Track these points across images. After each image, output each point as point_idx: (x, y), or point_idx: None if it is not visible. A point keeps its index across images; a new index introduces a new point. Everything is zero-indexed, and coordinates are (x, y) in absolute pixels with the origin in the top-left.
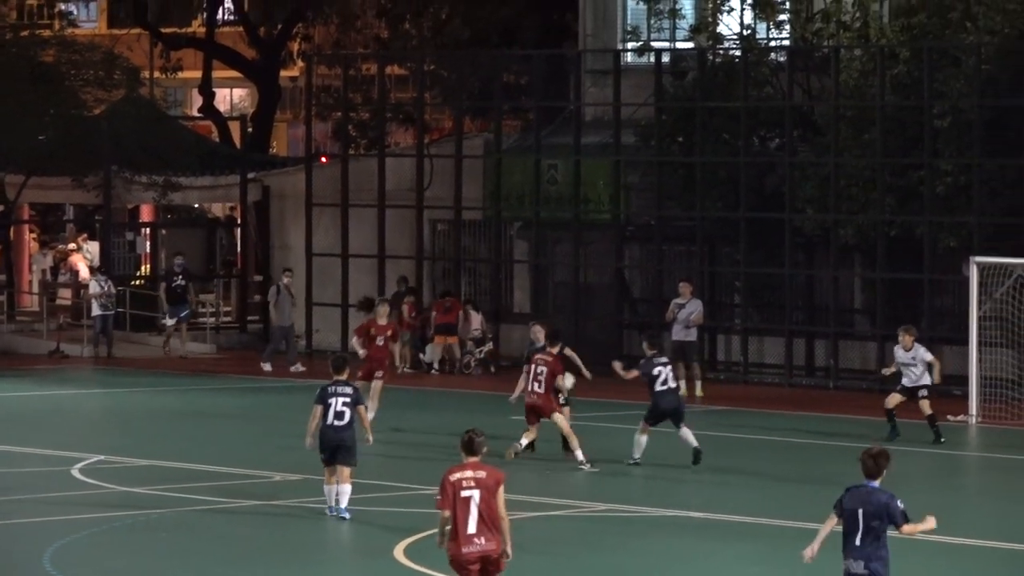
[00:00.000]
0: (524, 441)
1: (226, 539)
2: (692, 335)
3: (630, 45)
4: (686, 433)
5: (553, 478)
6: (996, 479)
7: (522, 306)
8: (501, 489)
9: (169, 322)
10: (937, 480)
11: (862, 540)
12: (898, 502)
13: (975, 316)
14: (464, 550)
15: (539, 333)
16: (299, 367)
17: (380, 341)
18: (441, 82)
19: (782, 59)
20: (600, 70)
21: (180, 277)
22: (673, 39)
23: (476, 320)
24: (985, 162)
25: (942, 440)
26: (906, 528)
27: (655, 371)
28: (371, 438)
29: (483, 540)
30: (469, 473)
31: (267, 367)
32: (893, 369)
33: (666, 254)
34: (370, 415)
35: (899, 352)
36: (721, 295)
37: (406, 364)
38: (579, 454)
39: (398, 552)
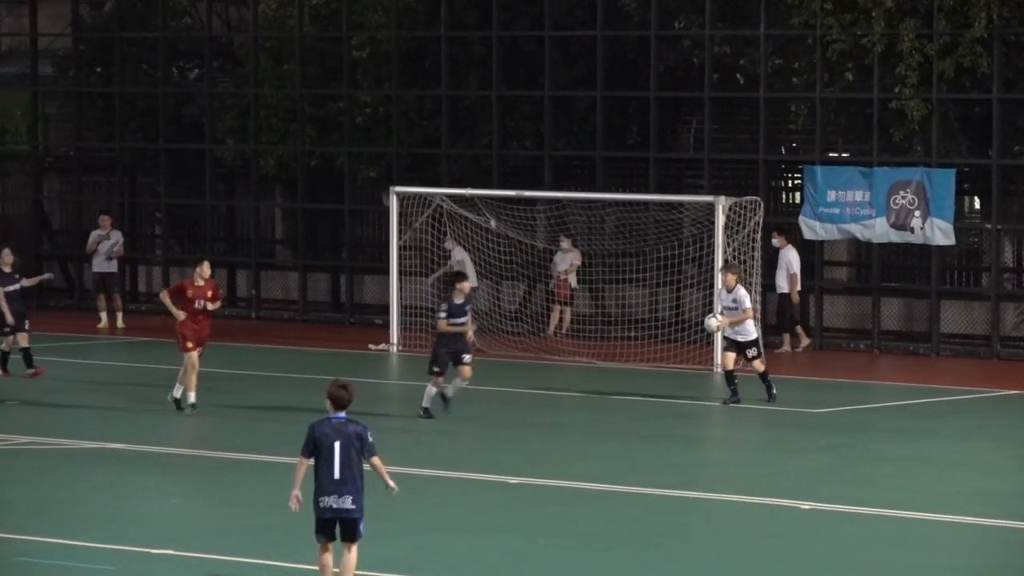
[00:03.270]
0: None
1: None
2: (113, 267)
3: None
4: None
5: None
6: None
7: None
8: None
9: None
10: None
11: (342, 474)
12: (369, 433)
13: (395, 246)
14: None
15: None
16: None
17: None
18: None
19: None
20: (16, 0)
21: None
22: None
23: None
24: (402, 93)
25: (774, 394)
26: (376, 460)
27: None
28: None
29: None
30: None
31: None
32: (721, 321)
33: (85, 185)
34: None
35: (722, 294)
36: (142, 226)
37: None
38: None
39: None
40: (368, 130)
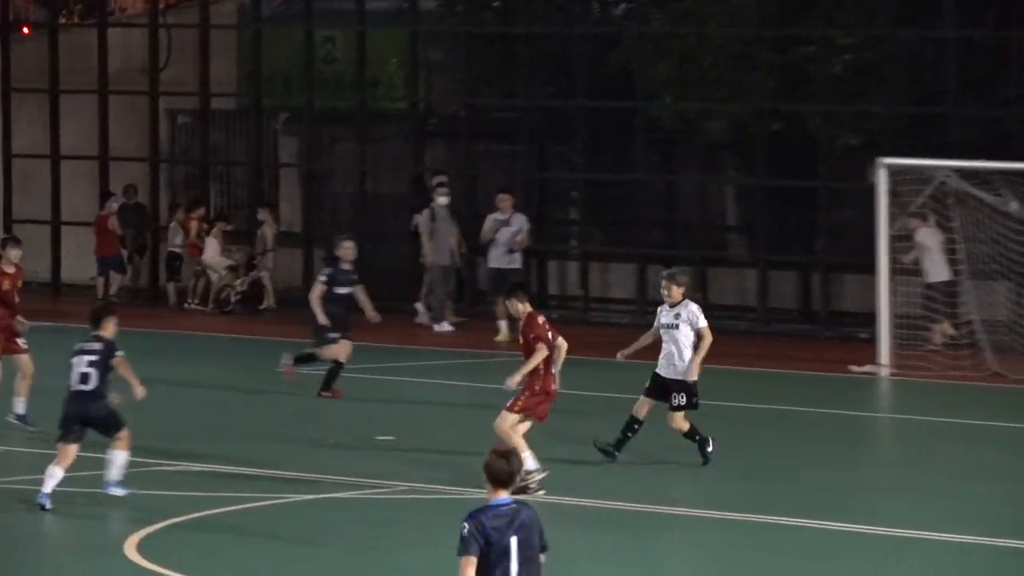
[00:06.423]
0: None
1: None
2: (516, 261)
3: None
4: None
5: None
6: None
7: (290, 224)
8: None
9: None
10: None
11: (520, 572)
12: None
13: (885, 235)
14: None
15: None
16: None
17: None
18: None
19: None
20: None
21: None
22: None
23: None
24: (896, 33)
25: (706, 462)
26: (543, 554)
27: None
28: (140, 391)
29: None
30: None
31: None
32: (639, 345)
33: (480, 155)
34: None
35: (663, 310)
36: (553, 210)
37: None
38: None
39: (129, 548)
40: (849, 83)
